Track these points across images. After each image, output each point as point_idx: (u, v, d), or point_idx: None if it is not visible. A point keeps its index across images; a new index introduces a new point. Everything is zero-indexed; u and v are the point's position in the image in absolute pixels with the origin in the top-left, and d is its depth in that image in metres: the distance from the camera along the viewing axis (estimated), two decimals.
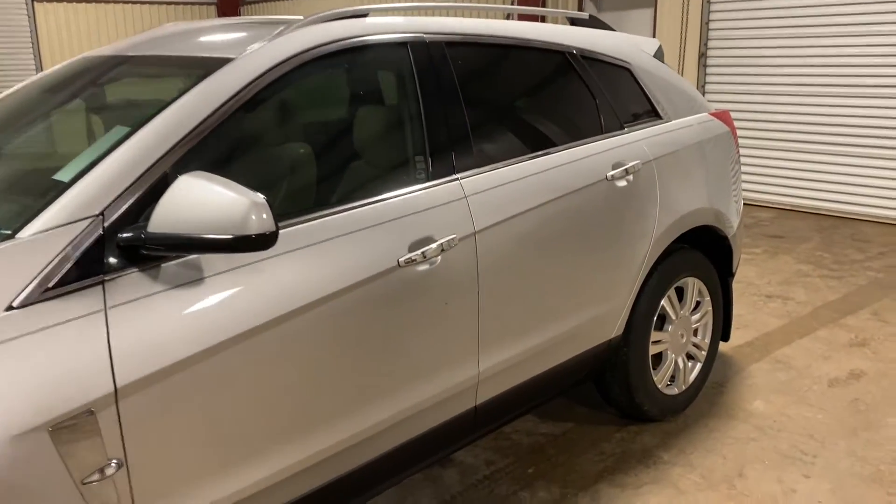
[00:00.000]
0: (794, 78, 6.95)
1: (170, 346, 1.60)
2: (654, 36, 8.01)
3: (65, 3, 13.04)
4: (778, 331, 4.16)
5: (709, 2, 7.49)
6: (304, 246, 1.86)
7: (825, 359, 3.78)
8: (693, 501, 2.64)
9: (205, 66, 1.95)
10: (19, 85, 2.45)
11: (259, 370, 1.75)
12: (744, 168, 7.49)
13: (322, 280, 1.86)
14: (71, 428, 1.46)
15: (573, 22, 3.12)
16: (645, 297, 2.91)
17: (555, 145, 2.60)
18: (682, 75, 7.75)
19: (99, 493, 1.51)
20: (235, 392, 1.72)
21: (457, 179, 2.26)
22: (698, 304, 3.23)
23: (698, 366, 3.28)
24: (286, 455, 1.84)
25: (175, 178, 1.64)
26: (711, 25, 7.53)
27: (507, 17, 3.18)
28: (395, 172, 2.18)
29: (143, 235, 1.58)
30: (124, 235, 1.60)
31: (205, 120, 1.79)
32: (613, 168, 2.71)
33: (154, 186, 1.67)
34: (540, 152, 2.53)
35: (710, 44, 7.57)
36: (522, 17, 9.16)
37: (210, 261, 1.70)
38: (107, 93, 2.24)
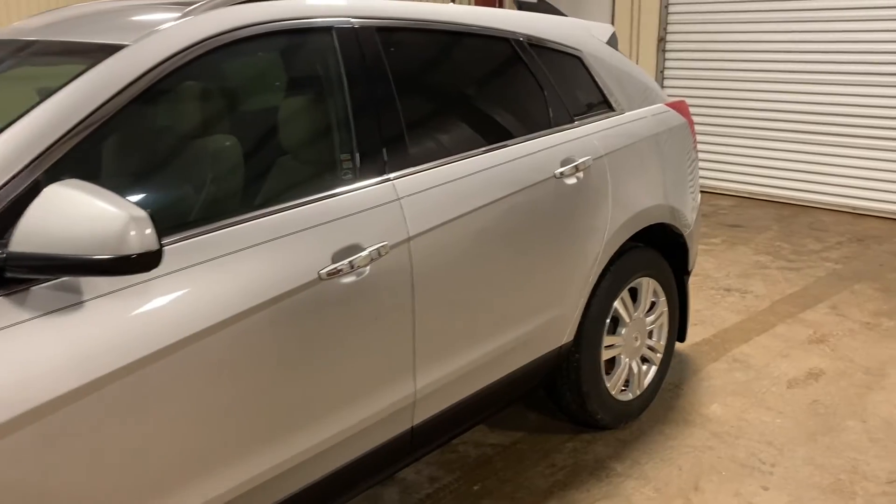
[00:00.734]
0: (755, 64, 6.84)
1: (42, 382, 1.37)
2: (612, 21, 7.84)
3: None
4: (736, 327, 4.04)
5: None
6: (206, 260, 1.64)
7: (784, 357, 3.66)
8: None
9: (94, 54, 1.70)
10: None
11: (153, 405, 1.53)
12: (704, 155, 7.39)
13: (228, 299, 1.64)
14: None
15: (521, 6, 2.92)
16: (597, 300, 2.74)
17: (500, 140, 2.40)
18: (639, 61, 7.62)
19: None
20: (125, 432, 1.50)
21: (389, 180, 2.05)
22: (653, 304, 3.08)
23: (653, 369, 3.13)
24: (190, 497, 1.63)
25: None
26: (671, 9, 7.38)
27: (454, 0, 2.94)
28: (316, 174, 1.96)
29: (3, 256, 1.35)
30: None
31: (85, 119, 1.55)
32: (562, 165, 2.53)
33: (21, 198, 1.44)
34: (483, 149, 2.33)
35: (670, 28, 7.42)
36: (480, 3, 8.93)
37: (91, 281, 1.47)
38: None
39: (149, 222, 1.35)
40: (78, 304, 1.44)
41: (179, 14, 1.83)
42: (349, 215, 1.91)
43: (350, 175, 1.99)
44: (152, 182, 1.74)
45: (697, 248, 3.51)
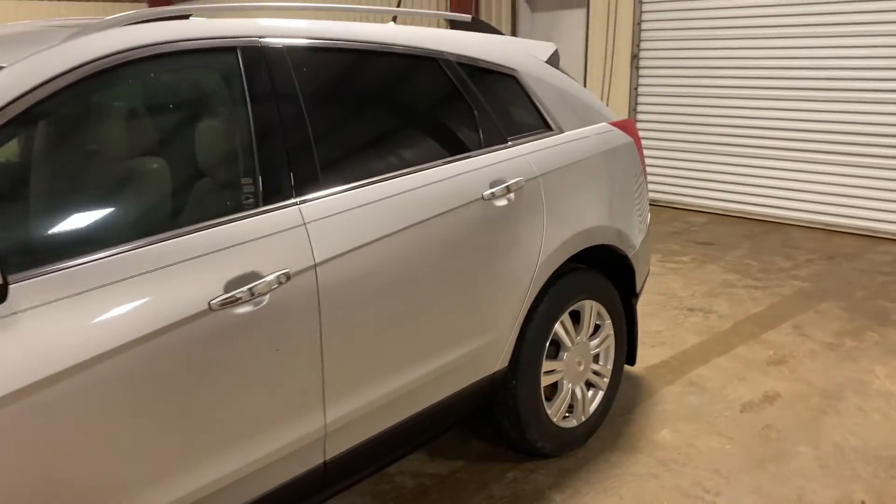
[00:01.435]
0: (728, 80, 6.81)
1: None
2: (586, 37, 7.82)
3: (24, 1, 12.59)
4: (695, 348, 3.96)
5: (640, 2, 7.32)
6: (76, 293, 1.56)
7: (741, 380, 3.58)
8: None
9: None
10: None
11: (6, 455, 1.45)
12: (677, 171, 7.34)
13: (102, 333, 1.56)
14: None
15: (454, 25, 2.85)
16: (534, 325, 2.66)
17: (423, 163, 2.33)
18: (613, 78, 7.58)
19: None
20: None
21: (295, 204, 1.98)
22: (598, 327, 3.00)
23: (600, 394, 3.04)
24: None
25: None
26: (644, 26, 7.36)
27: (394, 19, 2.89)
28: (212, 199, 1.88)
29: None
30: None
31: None
32: (491, 186, 2.46)
33: None
34: (403, 171, 2.26)
35: (643, 45, 7.40)
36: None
37: None
38: None
39: None
40: None
41: (68, 35, 1.76)
42: (245, 242, 1.84)
43: (252, 200, 1.92)
44: (33, 211, 1.66)
45: (648, 269, 3.44)
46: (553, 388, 2.86)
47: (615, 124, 3.13)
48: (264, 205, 1.93)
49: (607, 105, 7.62)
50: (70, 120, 1.73)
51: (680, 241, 6.10)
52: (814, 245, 5.93)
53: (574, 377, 2.90)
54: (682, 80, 7.15)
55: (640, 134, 7.56)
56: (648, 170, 7.59)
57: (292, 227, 1.93)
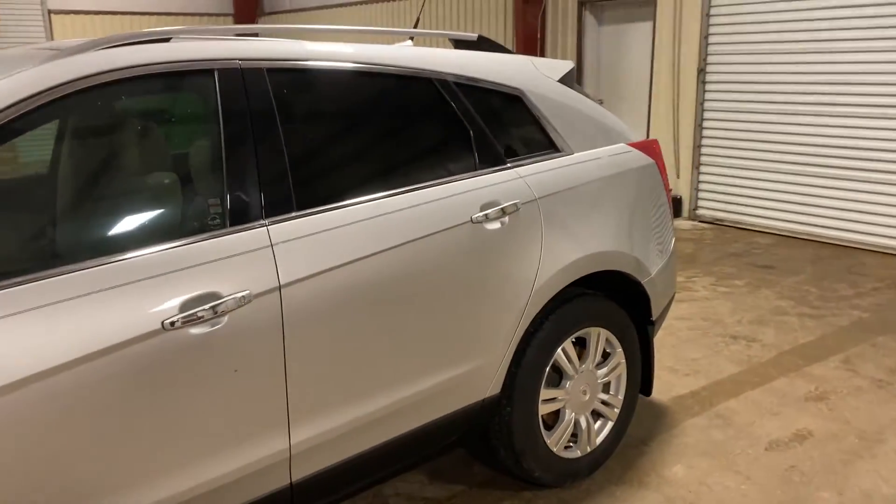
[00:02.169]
0: (797, 97, 6.49)
1: None
2: (652, 51, 7.62)
3: (81, 16, 13.19)
4: (730, 379, 3.77)
5: (708, 15, 7.08)
6: (28, 309, 1.61)
7: (773, 415, 3.38)
8: None
9: None
10: None
11: None
12: (743, 190, 7.04)
13: (49, 350, 1.60)
14: None
15: (458, 44, 2.82)
16: (531, 351, 2.59)
17: (407, 185, 2.31)
18: (679, 93, 7.34)
19: None
20: None
21: (264, 225, 1.99)
22: (608, 355, 2.89)
23: (609, 425, 2.93)
24: None
25: None
26: (711, 40, 7.12)
27: (411, 39, 2.89)
28: (175, 219, 1.91)
29: None
30: None
31: None
32: (483, 209, 2.41)
33: None
34: (384, 194, 2.24)
35: (710, 59, 7.15)
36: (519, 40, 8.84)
37: None
38: None
39: None
40: None
41: (43, 58, 1.83)
42: (205, 262, 1.85)
43: (218, 220, 1.94)
44: None
45: (673, 295, 3.29)
46: (556, 417, 2.78)
47: (636, 145, 3.02)
48: (231, 225, 1.94)
49: (675, 120, 7.40)
50: (37, 140, 1.79)
51: (738, 264, 5.84)
52: (884, 272, 5.56)
53: (578, 406, 2.80)
54: (750, 94, 6.86)
55: (704, 150, 7.32)
56: (712, 187, 7.32)
57: (257, 249, 1.94)
